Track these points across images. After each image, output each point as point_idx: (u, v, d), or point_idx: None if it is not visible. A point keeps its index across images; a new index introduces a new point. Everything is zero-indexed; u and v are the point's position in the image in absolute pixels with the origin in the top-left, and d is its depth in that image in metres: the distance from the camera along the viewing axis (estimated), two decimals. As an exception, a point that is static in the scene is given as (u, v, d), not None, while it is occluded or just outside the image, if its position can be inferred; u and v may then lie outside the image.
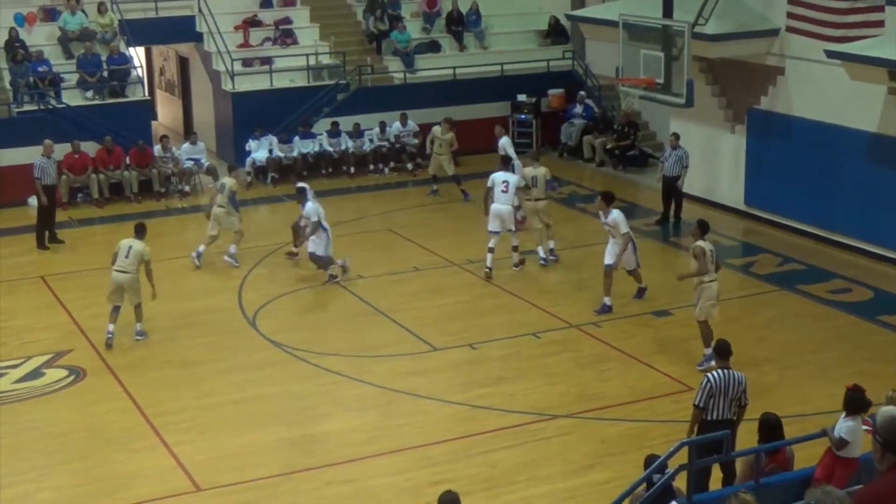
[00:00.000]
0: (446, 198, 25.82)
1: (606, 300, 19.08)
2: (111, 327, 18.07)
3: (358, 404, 16.14)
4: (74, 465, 14.77)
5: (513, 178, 21.13)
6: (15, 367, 17.62)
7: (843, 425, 11.22)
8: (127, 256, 18.05)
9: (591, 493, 13.54)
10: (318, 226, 20.44)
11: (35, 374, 17.39)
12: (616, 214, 18.84)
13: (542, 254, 21.52)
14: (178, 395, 16.43)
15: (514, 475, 14.01)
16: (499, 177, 21.10)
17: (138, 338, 18.28)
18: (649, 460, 11.12)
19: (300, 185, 22.01)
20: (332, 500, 13.66)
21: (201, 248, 21.78)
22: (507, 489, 13.71)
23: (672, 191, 24.02)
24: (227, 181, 22.15)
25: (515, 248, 21.29)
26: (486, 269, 20.82)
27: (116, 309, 18.12)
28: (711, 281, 16.64)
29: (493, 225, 20.91)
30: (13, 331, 19.08)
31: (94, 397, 16.58)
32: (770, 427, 11.62)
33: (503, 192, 20.85)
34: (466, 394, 16.28)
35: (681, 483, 11.06)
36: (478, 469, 14.15)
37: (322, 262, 20.65)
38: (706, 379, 12.54)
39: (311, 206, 20.66)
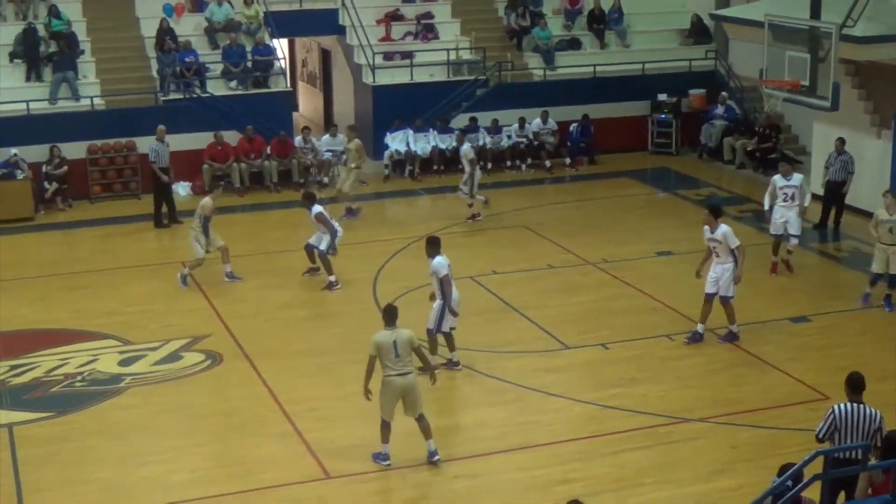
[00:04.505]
0: (587, 195, 25.66)
1: (699, 327, 18.01)
2: (386, 448, 14.35)
3: (488, 400, 16.17)
4: (207, 447, 15.08)
5: None
6: (154, 349, 18.04)
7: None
8: (398, 354, 14.02)
9: (719, 499, 13.39)
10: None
11: (173, 357, 17.78)
12: (725, 228, 17.46)
13: None
14: (310, 384, 16.65)
15: (642, 477, 13.92)
16: None
17: (435, 458, 14.27)
18: (784, 468, 10.87)
19: (307, 191, 21.96)
20: (459, 494, 13.74)
21: (186, 270, 20.81)
22: (634, 491, 13.63)
23: (836, 197, 23.58)
24: (204, 202, 20.95)
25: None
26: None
27: (389, 425, 14.33)
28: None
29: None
30: (154, 314, 19.53)
31: (230, 382, 16.89)
32: (892, 446, 11.14)
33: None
34: (597, 393, 16.21)
35: (811, 494, 10.82)
36: (606, 469, 14.09)
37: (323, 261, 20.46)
38: (831, 410, 11.68)
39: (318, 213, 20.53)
